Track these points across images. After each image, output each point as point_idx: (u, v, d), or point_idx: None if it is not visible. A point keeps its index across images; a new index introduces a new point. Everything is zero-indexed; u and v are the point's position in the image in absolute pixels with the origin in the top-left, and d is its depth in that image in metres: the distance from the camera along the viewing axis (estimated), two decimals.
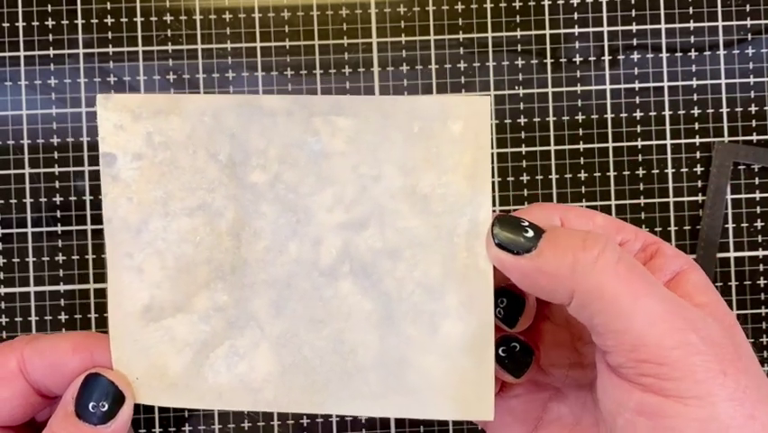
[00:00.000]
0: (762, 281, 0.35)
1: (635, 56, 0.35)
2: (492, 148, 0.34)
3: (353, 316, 0.26)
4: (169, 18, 0.34)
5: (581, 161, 0.35)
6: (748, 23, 0.35)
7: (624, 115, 0.35)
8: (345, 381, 0.26)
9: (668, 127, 0.35)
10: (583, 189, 0.34)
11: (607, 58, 0.35)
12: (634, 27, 0.35)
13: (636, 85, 0.35)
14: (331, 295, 0.26)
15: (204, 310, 0.26)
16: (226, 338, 0.26)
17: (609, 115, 0.35)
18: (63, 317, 0.34)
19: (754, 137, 0.35)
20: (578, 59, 0.35)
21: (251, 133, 0.26)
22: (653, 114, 0.35)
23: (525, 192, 0.34)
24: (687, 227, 0.35)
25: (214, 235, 0.26)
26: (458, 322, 0.25)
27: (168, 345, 0.26)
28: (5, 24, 0.34)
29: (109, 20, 0.34)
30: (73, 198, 0.34)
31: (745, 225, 0.35)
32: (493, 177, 0.34)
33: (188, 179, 0.26)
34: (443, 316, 0.26)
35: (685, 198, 0.35)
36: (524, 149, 0.35)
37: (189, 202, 0.26)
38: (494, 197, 0.34)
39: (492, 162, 0.34)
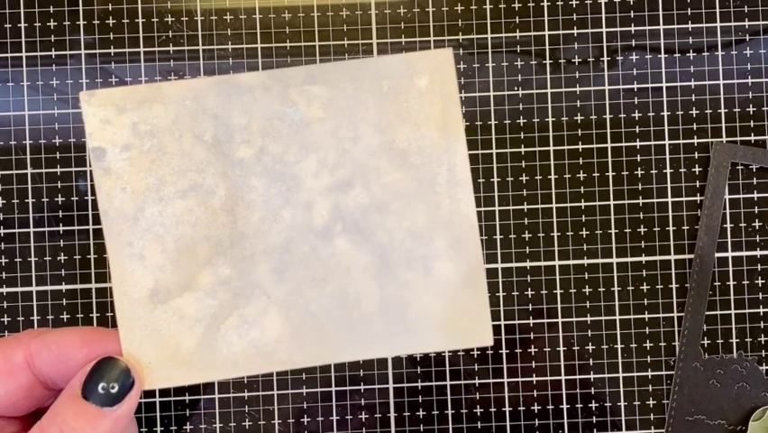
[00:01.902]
0: (759, 281, 0.35)
1: (634, 57, 0.35)
2: (492, 148, 0.35)
3: (352, 269, 0.27)
4: (170, 19, 0.35)
5: (580, 161, 0.35)
6: (746, 24, 0.35)
7: (622, 115, 0.35)
8: (353, 330, 0.27)
9: (666, 128, 0.35)
10: (582, 190, 0.35)
11: (605, 59, 0.35)
12: (632, 28, 0.35)
13: (635, 85, 0.35)
14: (329, 253, 0.27)
15: (209, 286, 0.27)
16: (234, 309, 0.27)
17: (608, 116, 0.35)
18: (65, 316, 0.34)
19: (752, 137, 0.35)
20: (577, 60, 0.35)
21: (233, 111, 0.27)
22: (651, 114, 0.35)
23: (525, 192, 0.35)
24: (685, 227, 0.35)
25: (209, 213, 0.27)
26: (449, 263, 0.27)
27: (178, 324, 0.27)
28: (8, 25, 0.34)
29: (111, 21, 0.35)
30: (75, 199, 0.34)
31: (743, 225, 0.35)
32: (492, 177, 0.35)
33: (178, 163, 0.27)
34: (434, 259, 0.27)
35: (683, 199, 0.35)
36: (523, 149, 0.35)
37: (181, 185, 0.27)
38: (494, 197, 0.35)
39: (492, 162, 0.35)
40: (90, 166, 0.34)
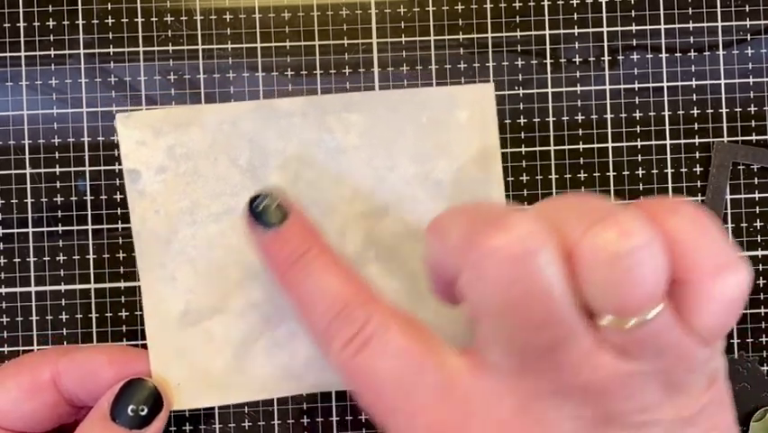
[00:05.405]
0: (761, 281, 0.35)
1: (635, 56, 0.35)
2: None
3: (384, 295, 0.27)
4: (169, 18, 0.34)
5: (581, 161, 0.35)
6: (747, 23, 0.35)
7: (623, 115, 0.35)
8: None
9: (667, 127, 0.35)
10: (583, 190, 0.35)
11: (606, 58, 0.35)
12: (633, 27, 0.35)
13: (636, 85, 0.35)
14: None
15: (239, 309, 0.27)
16: (264, 332, 0.27)
17: (609, 116, 0.35)
18: (64, 316, 0.34)
19: (754, 137, 0.35)
20: (577, 59, 0.35)
21: (269, 136, 0.27)
22: (652, 114, 0.35)
23: (525, 192, 0.34)
24: None
25: (243, 237, 0.27)
26: None
27: (208, 346, 0.27)
28: (6, 25, 0.34)
29: (110, 20, 0.34)
30: (74, 199, 0.34)
31: (744, 225, 0.35)
32: None
33: (212, 187, 0.27)
34: None
35: (684, 198, 0.35)
36: (523, 149, 0.35)
37: (215, 208, 0.27)
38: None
39: None
40: (90, 166, 0.34)
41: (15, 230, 0.34)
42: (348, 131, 0.27)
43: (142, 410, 0.25)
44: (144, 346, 0.29)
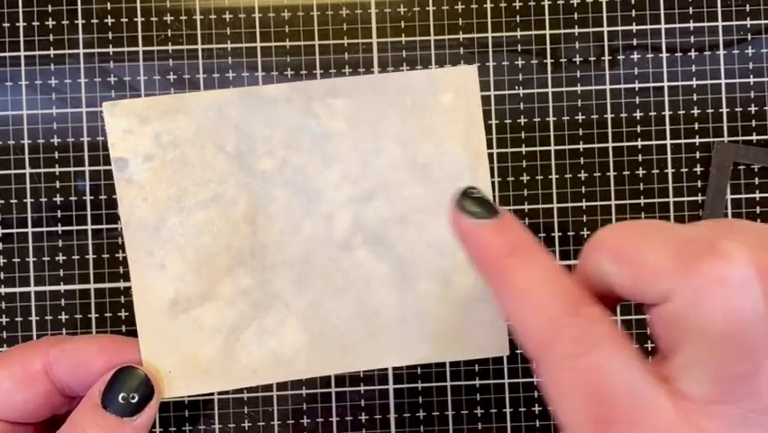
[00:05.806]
0: None
1: (635, 56, 0.35)
2: (492, 148, 0.35)
3: (372, 280, 0.27)
4: (169, 18, 0.34)
5: (581, 161, 0.35)
6: (748, 23, 0.35)
7: (624, 115, 0.35)
8: (372, 340, 0.27)
9: (668, 127, 0.35)
10: (583, 189, 0.34)
11: (606, 58, 0.35)
12: (634, 27, 0.35)
13: (636, 85, 0.35)
14: (348, 264, 0.28)
15: (229, 296, 0.27)
16: (254, 319, 0.27)
17: (609, 115, 0.35)
18: (63, 317, 0.34)
19: (754, 137, 0.35)
20: (578, 59, 0.35)
21: (255, 123, 0.27)
22: (652, 114, 0.35)
23: (525, 192, 0.34)
24: None
25: (231, 224, 0.28)
26: (468, 275, 0.27)
27: (198, 333, 0.27)
28: (6, 24, 0.34)
29: (109, 20, 0.34)
30: (73, 198, 0.34)
31: None
32: (493, 177, 0.34)
33: (199, 174, 0.27)
34: (454, 270, 0.27)
35: (685, 198, 0.35)
36: (524, 149, 0.35)
37: (203, 195, 0.27)
38: (494, 197, 0.34)
39: (492, 162, 0.35)
40: (90, 166, 0.34)
41: (15, 230, 0.34)
42: (333, 116, 0.27)
43: (133, 398, 0.26)
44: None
